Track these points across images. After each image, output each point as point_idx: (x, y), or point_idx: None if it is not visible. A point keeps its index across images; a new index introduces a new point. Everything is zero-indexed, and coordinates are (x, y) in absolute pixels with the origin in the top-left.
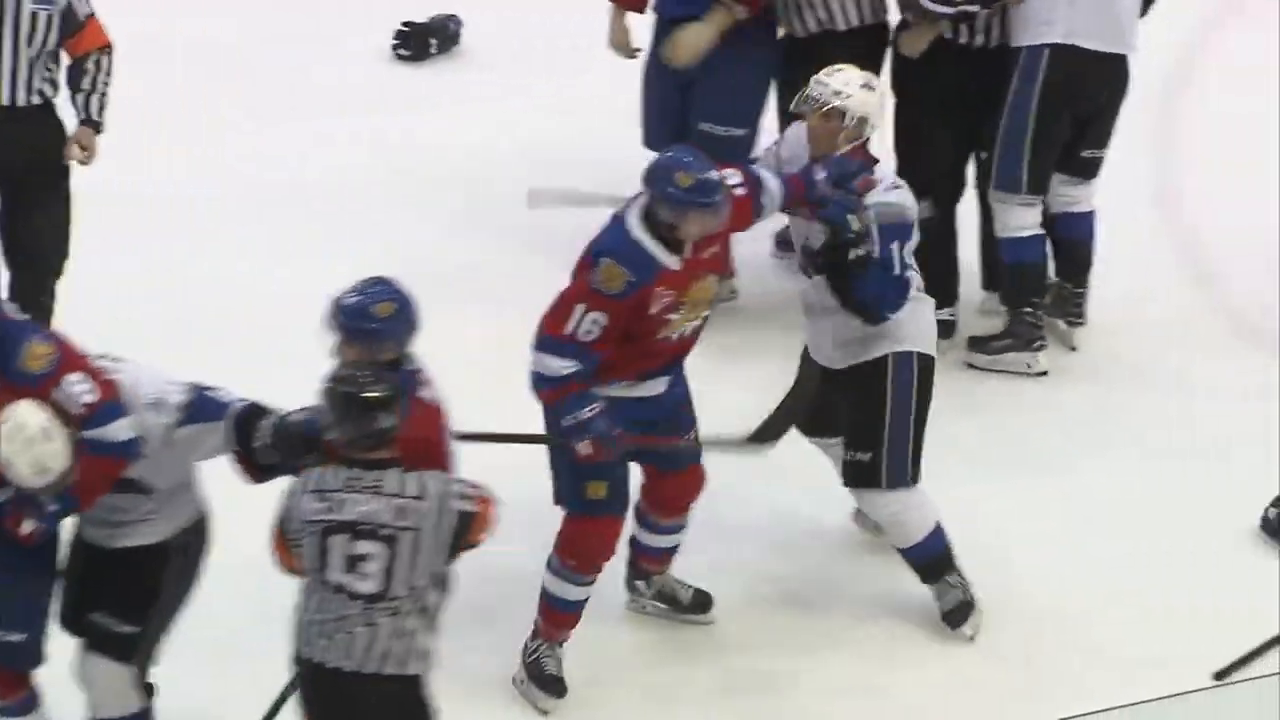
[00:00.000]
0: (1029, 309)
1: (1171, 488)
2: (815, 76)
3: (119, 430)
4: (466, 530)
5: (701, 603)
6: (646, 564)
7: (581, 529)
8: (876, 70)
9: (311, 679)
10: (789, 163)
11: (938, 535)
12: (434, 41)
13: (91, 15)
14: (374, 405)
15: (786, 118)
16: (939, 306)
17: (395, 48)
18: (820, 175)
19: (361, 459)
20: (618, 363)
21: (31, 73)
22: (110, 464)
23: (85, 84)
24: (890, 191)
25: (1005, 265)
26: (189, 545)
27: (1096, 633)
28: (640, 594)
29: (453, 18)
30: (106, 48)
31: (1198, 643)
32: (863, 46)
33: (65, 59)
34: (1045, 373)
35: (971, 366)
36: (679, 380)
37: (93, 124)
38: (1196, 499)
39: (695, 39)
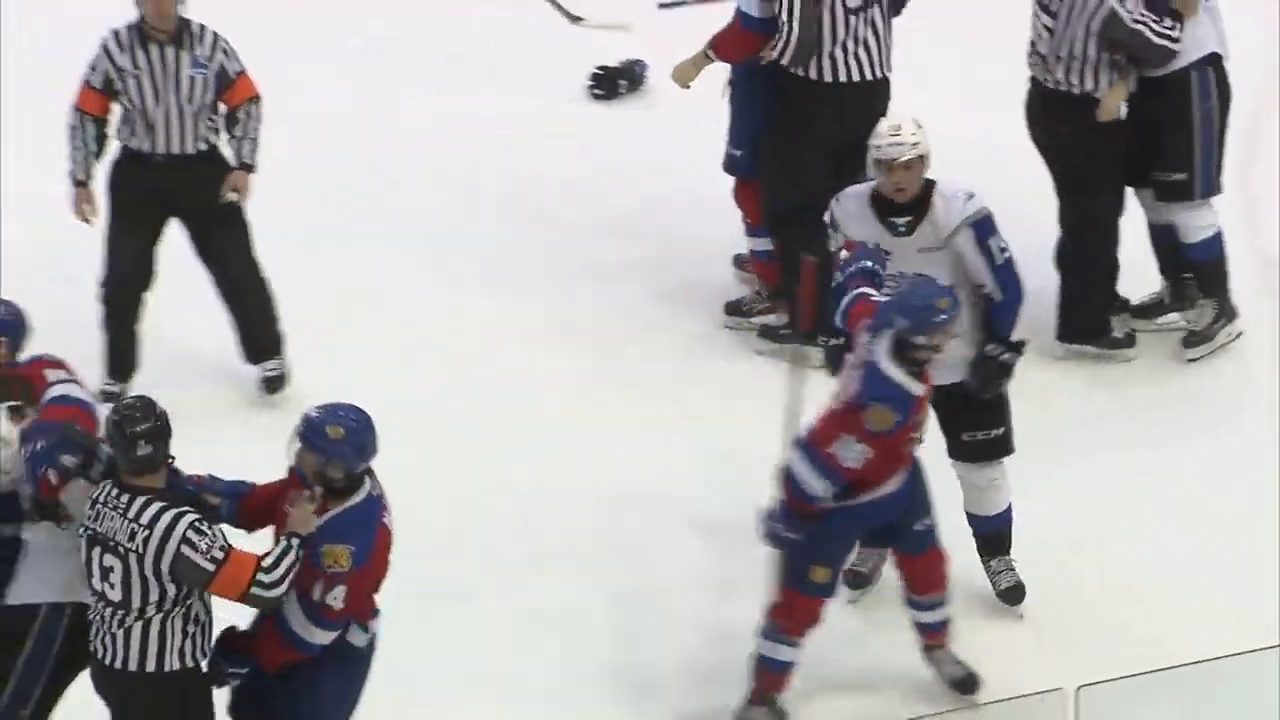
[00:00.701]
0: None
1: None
2: (880, 138)
3: None
4: (195, 578)
5: (966, 681)
6: (928, 640)
7: (799, 604)
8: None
9: (95, 671)
10: (855, 218)
11: (1010, 511)
12: (623, 83)
13: (242, 72)
14: (137, 435)
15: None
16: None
17: (590, 88)
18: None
19: (128, 483)
20: (868, 478)
21: (196, 125)
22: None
23: (238, 131)
24: (969, 201)
25: (1206, 261)
26: None
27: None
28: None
29: (639, 62)
30: (255, 99)
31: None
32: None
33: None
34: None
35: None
36: (914, 470)
37: (245, 167)
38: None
39: (680, 72)
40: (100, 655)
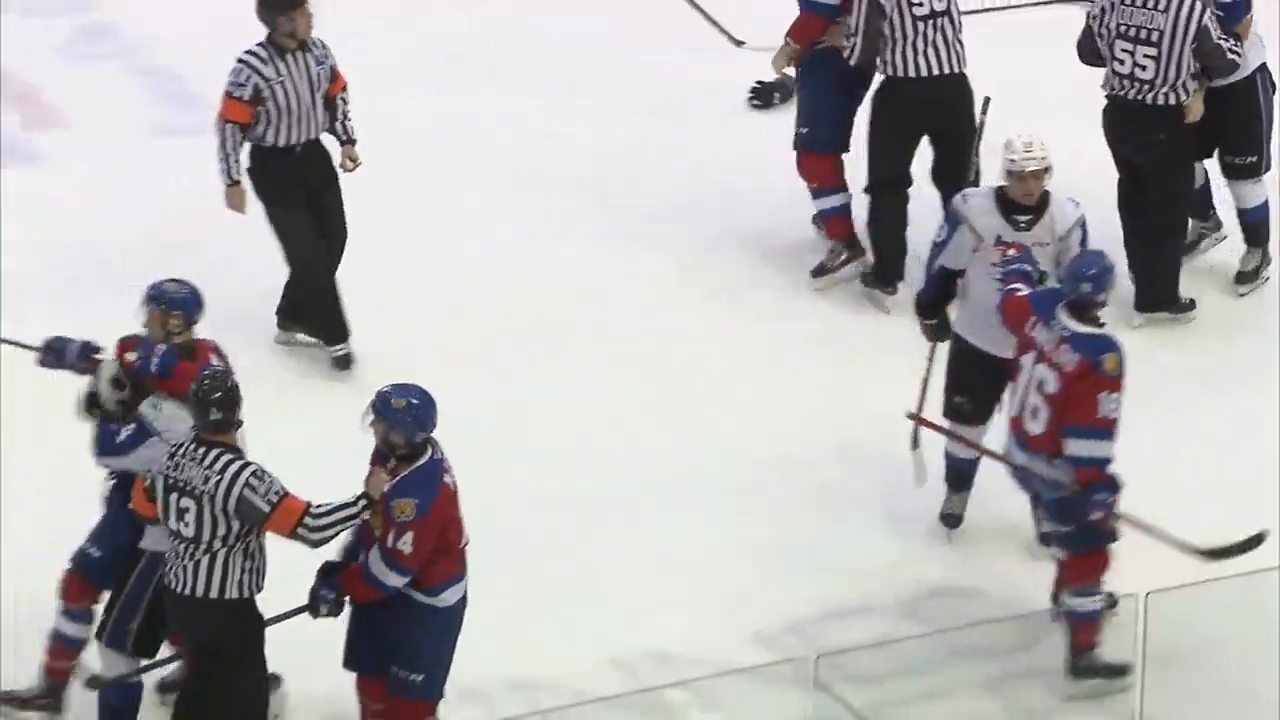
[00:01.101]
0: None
1: None
2: (1014, 152)
3: None
4: (253, 517)
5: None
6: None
7: (1099, 558)
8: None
9: (169, 601)
10: (983, 213)
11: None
12: (777, 95)
13: (334, 65)
14: (210, 402)
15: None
16: (891, 282)
17: (750, 99)
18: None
19: (206, 439)
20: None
21: (319, 114)
22: None
23: (339, 114)
24: (1076, 207)
25: (1259, 221)
26: None
27: None
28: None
29: (790, 78)
30: (345, 86)
31: None
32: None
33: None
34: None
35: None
36: None
37: (352, 141)
38: None
39: (776, 62)
40: (173, 585)
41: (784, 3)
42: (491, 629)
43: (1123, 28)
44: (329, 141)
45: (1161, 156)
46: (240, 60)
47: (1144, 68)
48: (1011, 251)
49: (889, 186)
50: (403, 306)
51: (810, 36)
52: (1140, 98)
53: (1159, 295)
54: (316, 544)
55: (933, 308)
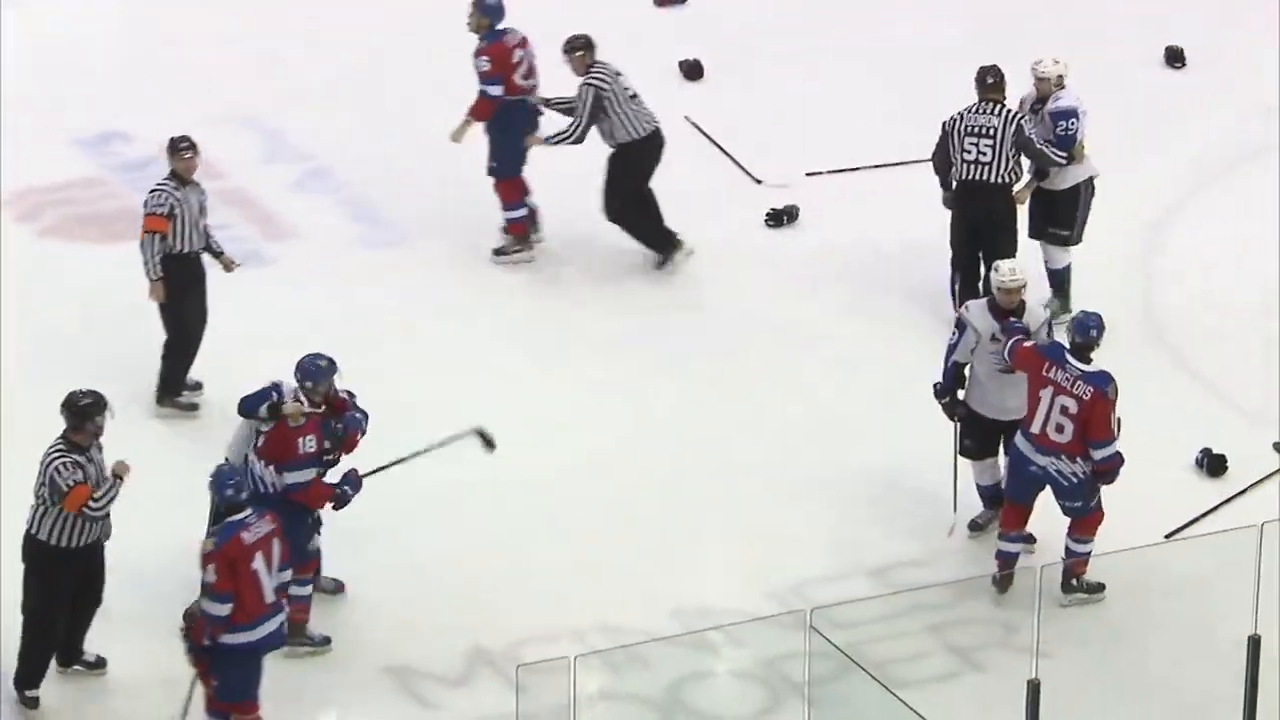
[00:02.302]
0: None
1: None
2: (1003, 274)
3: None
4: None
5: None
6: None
7: (1097, 517)
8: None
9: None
10: (980, 318)
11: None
12: (786, 217)
13: None
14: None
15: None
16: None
17: (766, 219)
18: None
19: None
20: None
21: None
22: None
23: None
24: (1043, 309)
25: (1064, 279)
26: None
27: None
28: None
29: (795, 206)
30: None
31: None
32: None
33: None
34: None
35: None
36: None
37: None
38: None
39: (453, 135)
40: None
41: (794, 142)
42: (587, 585)
43: (970, 127)
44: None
45: (999, 220)
46: (156, 188)
47: (985, 154)
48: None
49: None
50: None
51: (485, 115)
52: (984, 177)
53: None
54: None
55: (949, 393)
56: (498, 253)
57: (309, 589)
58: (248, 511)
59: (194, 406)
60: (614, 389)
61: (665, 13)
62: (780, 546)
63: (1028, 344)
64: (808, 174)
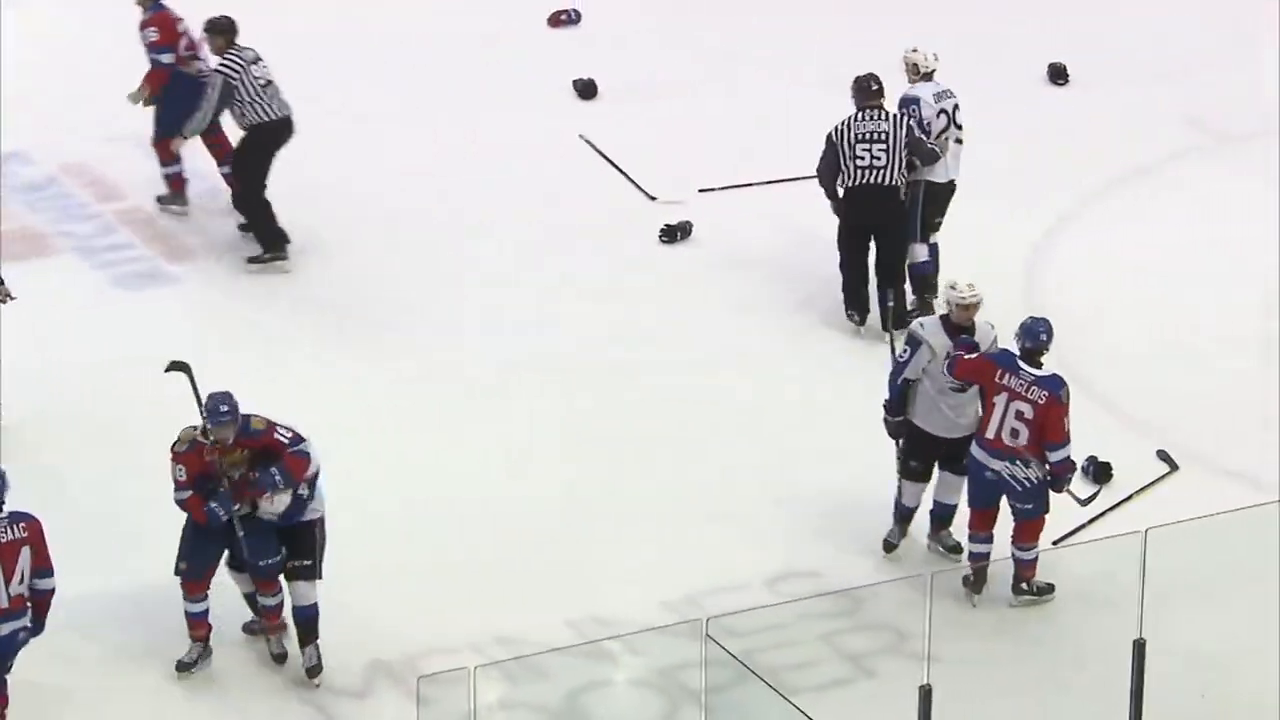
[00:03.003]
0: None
1: None
2: (960, 291)
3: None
4: None
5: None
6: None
7: (1040, 523)
8: None
9: None
10: (934, 334)
11: None
12: (679, 233)
13: None
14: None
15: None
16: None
17: (660, 235)
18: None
19: None
20: None
21: None
22: (304, 464)
23: None
24: (991, 329)
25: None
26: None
27: None
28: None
29: (688, 222)
30: None
31: None
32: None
33: None
34: None
35: None
36: None
37: None
38: None
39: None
40: None
41: (689, 162)
42: (485, 596)
43: (859, 135)
44: None
45: (894, 222)
46: None
47: (879, 158)
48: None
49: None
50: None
51: (159, 83)
52: (879, 180)
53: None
54: None
55: (899, 411)
56: (160, 200)
57: (277, 599)
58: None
59: None
60: (510, 400)
61: (559, 32)
62: (676, 557)
63: (971, 355)
64: (700, 190)
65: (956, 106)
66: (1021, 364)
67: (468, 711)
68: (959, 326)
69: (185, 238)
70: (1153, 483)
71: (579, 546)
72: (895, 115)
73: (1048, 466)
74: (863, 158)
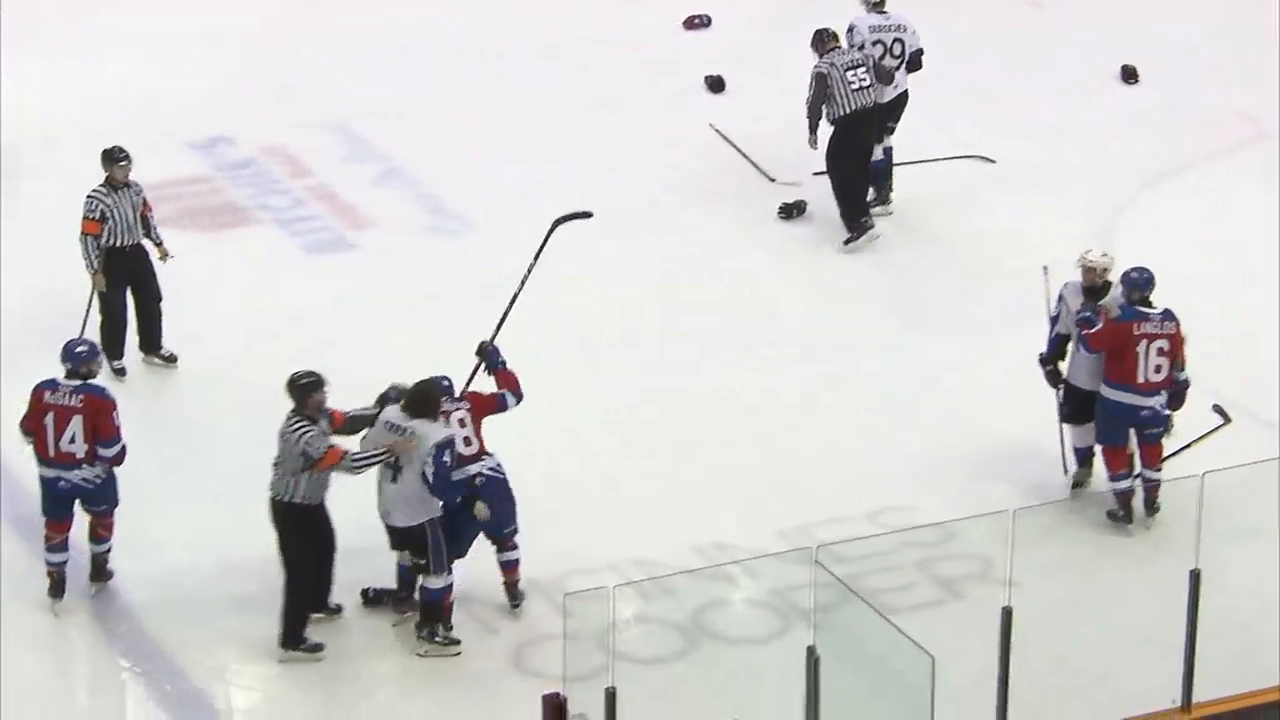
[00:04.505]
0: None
1: None
2: (1093, 253)
3: None
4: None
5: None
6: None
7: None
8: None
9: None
10: (1075, 296)
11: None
12: (795, 211)
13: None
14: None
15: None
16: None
17: (779, 211)
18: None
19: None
20: None
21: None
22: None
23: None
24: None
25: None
26: None
27: None
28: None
29: (803, 201)
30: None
31: None
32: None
33: None
34: None
35: None
36: None
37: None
38: None
39: None
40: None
41: (803, 149)
42: (623, 524)
43: (846, 65)
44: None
45: (877, 134)
46: (90, 195)
47: (865, 80)
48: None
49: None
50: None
51: None
52: (868, 103)
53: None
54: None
55: (1051, 362)
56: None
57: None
58: (68, 381)
59: (122, 371)
60: (644, 346)
61: (692, 35)
62: (791, 491)
63: (1097, 326)
64: (815, 174)
65: (897, 39)
66: (1142, 309)
67: (607, 624)
68: (1090, 289)
69: (365, 210)
70: (1209, 433)
71: (705, 482)
72: (860, 50)
73: (1173, 388)
74: (854, 84)
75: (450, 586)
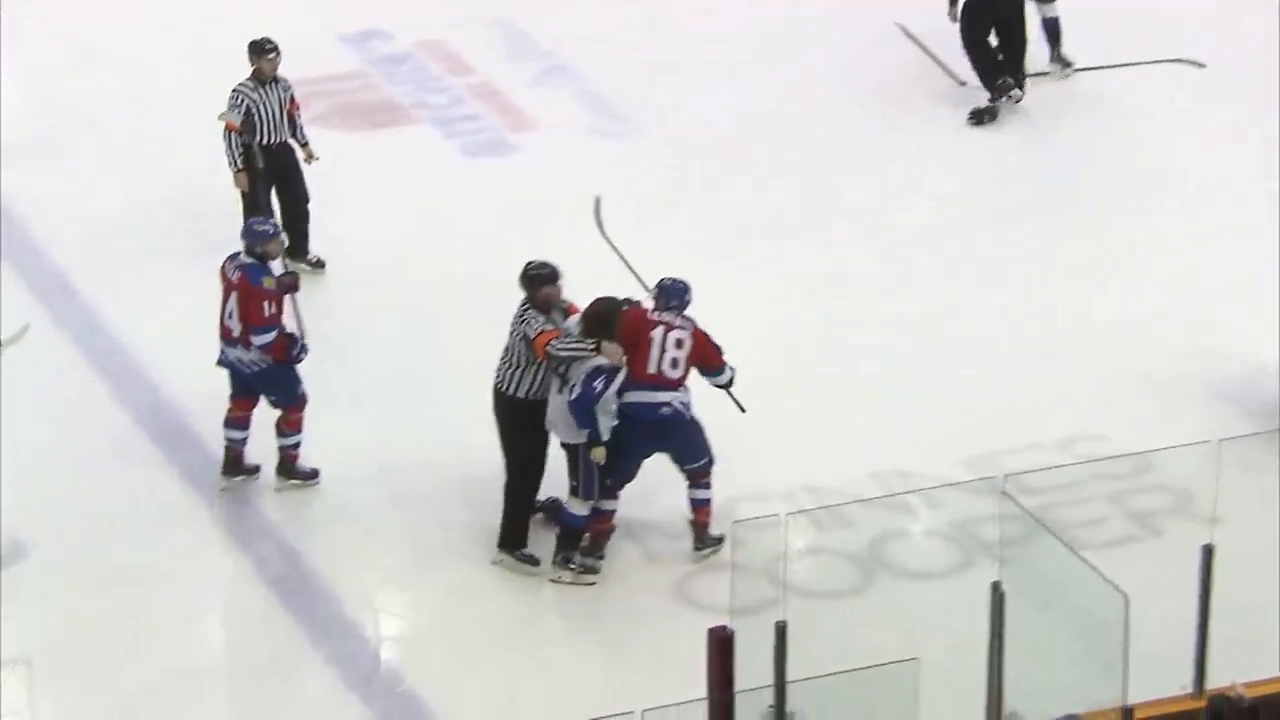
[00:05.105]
0: None
1: None
2: None
3: None
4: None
5: None
6: None
7: None
8: None
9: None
10: None
11: None
12: (986, 117)
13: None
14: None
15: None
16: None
17: (969, 118)
18: None
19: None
20: None
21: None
22: None
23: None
24: None
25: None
26: None
27: None
28: None
29: (993, 107)
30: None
31: None
32: None
33: None
34: None
35: None
36: None
37: (305, 143)
38: None
39: None
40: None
41: None
42: (795, 449)
43: None
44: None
45: (1018, 9)
46: (235, 89)
47: None
48: None
49: None
50: None
51: None
52: None
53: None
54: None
55: None
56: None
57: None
58: (241, 257)
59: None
60: (823, 263)
61: None
62: (974, 417)
63: None
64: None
65: None
66: None
67: (777, 555)
68: None
69: (528, 111)
70: None
71: (884, 406)
72: None
73: None
74: None
75: (599, 514)
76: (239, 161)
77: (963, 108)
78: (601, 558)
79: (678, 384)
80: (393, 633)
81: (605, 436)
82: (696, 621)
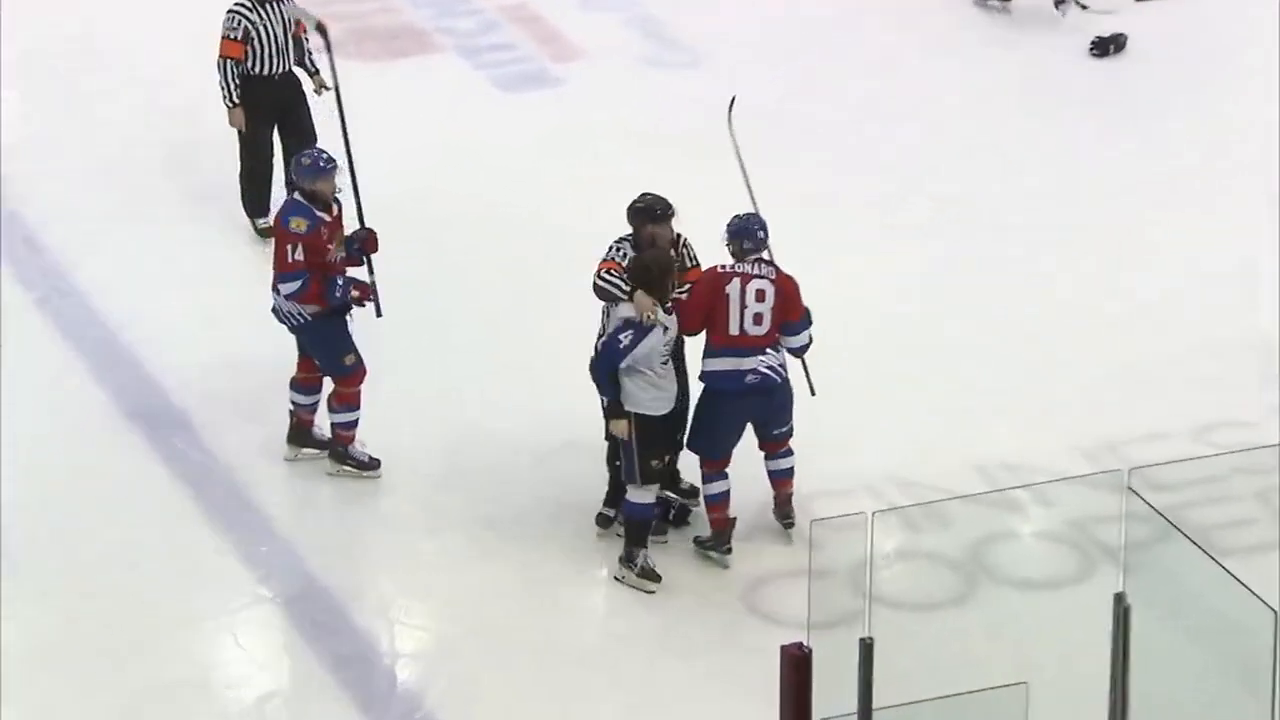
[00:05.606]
0: None
1: None
2: None
3: None
4: None
5: None
6: None
7: None
8: None
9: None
10: None
11: None
12: (1112, 46)
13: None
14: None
15: None
16: None
17: (1091, 48)
18: None
19: None
20: None
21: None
22: None
23: (305, 51)
24: None
25: None
26: None
27: None
28: None
29: (1123, 34)
30: (305, 29)
31: None
32: None
33: None
34: None
35: None
36: None
37: (315, 72)
38: None
39: None
40: None
41: None
42: (882, 437)
43: None
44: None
45: None
46: (231, 10)
47: None
48: None
49: None
50: None
51: None
52: None
53: None
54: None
55: None
56: None
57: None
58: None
59: (269, 231)
60: (922, 234)
61: None
62: (1095, 401)
63: None
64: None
65: None
66: None
67: (863, 559)
68: None
69: (573, 36)
70: None
71: (988, 386)
72: None
73: None
74: None
75: (709, 501)
76: (235, 96)
77: (963, 107)
78: (729, 550)
79: (766, 341)
80: (411, 642)
81: (665, 409)
82: (769, 637)
